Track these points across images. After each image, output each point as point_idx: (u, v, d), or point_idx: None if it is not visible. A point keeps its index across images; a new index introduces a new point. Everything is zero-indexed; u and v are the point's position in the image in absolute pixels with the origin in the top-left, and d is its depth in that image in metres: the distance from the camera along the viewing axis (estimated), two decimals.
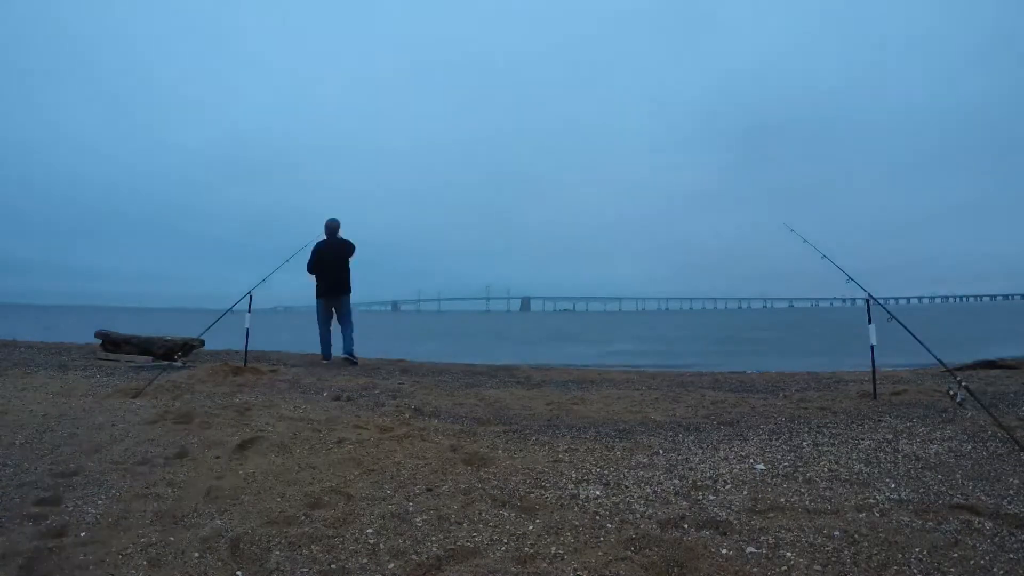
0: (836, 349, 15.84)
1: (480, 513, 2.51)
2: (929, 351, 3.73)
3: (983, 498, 2.53)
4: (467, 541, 2.24)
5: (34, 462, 3.11)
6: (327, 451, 3.39)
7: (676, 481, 2.90)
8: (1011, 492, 2.58)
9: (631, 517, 2.45)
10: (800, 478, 2.90)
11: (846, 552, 2.08)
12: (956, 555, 2.02)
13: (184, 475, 2.96)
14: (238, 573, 2.02)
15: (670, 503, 2.61)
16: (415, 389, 6.10)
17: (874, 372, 5.44)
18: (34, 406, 4.41)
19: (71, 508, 2.53)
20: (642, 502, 2.63)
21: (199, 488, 2.78)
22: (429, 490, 2.79)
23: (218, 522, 2.42)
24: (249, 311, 6.87)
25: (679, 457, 3.34)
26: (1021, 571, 1.92)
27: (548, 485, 2.87)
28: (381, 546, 2.20)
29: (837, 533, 2.22)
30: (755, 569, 1.99)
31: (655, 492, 2.75)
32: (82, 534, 2.29)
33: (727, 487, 2.80)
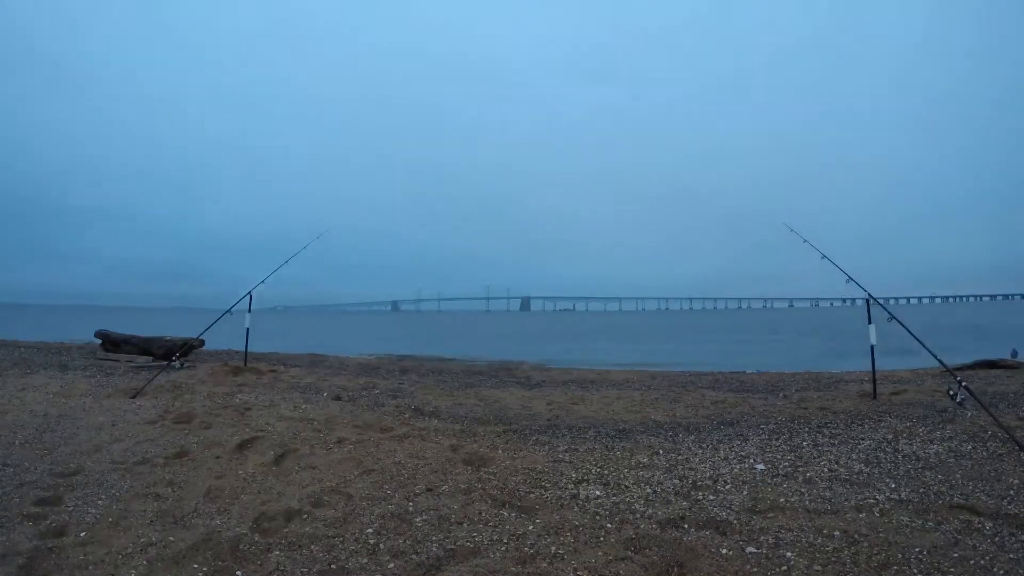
0: (836, 349, 15.83)
1: (480, 513, 2.51)
2: (929, 351, 3.73)
3: (983, 498, 2.53)
4: (467, 541, 2.24)
5: (34, 462, 3.11)
6: (327, 451, 3.39)
7: (676, 481, 2.90)
8: (1011, 492, 2.58)
9: (631, 517, 2.45)
10: (800, 478, 2.90)
11: (846, 552, 2.08)
12: (956, 555, 2.02)
13: (184, 475, 2.96)
14: (238, 573, 2.02)
15: (670, 503, 2.61)
16: (415, 389, 6.11)
17: (874, 372, 5.44)
18: (34, 406, 4.41)
19: (71, 508, 2.53)
20: (642, 502, 2.62)
21: (199, 488, 2.78)
22: (429, 490, 2.79)
23: (218, 522, 2.42)
24: (249, 311, 6.86)
25: (679, 457, 3.34)
26: (1021, 571, 1.92)
27: (548, 485, 2.87)
28: (381, 546, 2.20)
29: (837, 533, 2.22)
30: (755, 569, 1.99)
31: (655, 492, 2.75)
32: (82, 534, 2.28)
33: (727, 487, 2.80)
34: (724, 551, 2.11)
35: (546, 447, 3.61)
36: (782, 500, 2.60)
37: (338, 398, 5.24)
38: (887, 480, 2.82)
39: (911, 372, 7.40)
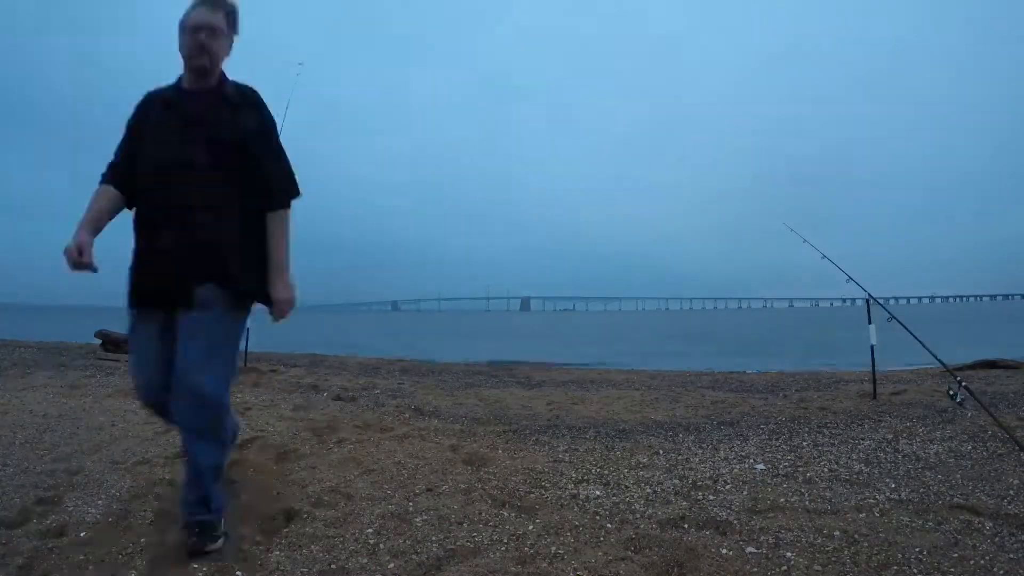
0: (836, 349, 15.84)
1: (480, 513, 2.51)
2: (929, 351, 3.73)
3: (983, 498, 2.53)
4: (467, 541, 2.24)
5: (34, 462, 3.11)
6: (327, 451, 3.39)
7: (676, 481, 2.90)
8: (1011, 492, 2.58)
9: (631, 517, 2.45)
10: (800, 478, 2.90)
11: (846, 552, 2.08)
12: (956, 555, 2.02)
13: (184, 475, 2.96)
14: (238, 573, 2.02)
15: (670, 503, 2.61)
16: (415, 389, 6.11)
17: (874, 372, 5.44)
18: (34, 406, 4.41)
19: (71, 508, 2.53)
20: (642, 502, 2.62)
21: None
22: (429, 490, 2.79)
23: None
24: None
25: (679, 457, 3.34)
26: (1021, 571, 1.92)
27: (548, 485, 2.87)
28: (381, 546, 2.20)
29: (837, 533, 2.22)
30: (755, 569, 1.99)
31: (655, 492, 2.75)
32: (82, 534, 2.28)
33: (727, 487, 2.80)
34: (724, 551, 2.11)
35: (546, 447, 3.61)
36: (782, 500, 2.60)
37: (338, 398, 5.24)
38: (887, 480, 2.82)
39: (911, 372, 7.40)
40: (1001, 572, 1.92)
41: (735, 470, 3.06)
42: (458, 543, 2.22)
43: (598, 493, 2.75)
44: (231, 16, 2.16)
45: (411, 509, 2.55)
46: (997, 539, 2.14)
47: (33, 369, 6.57)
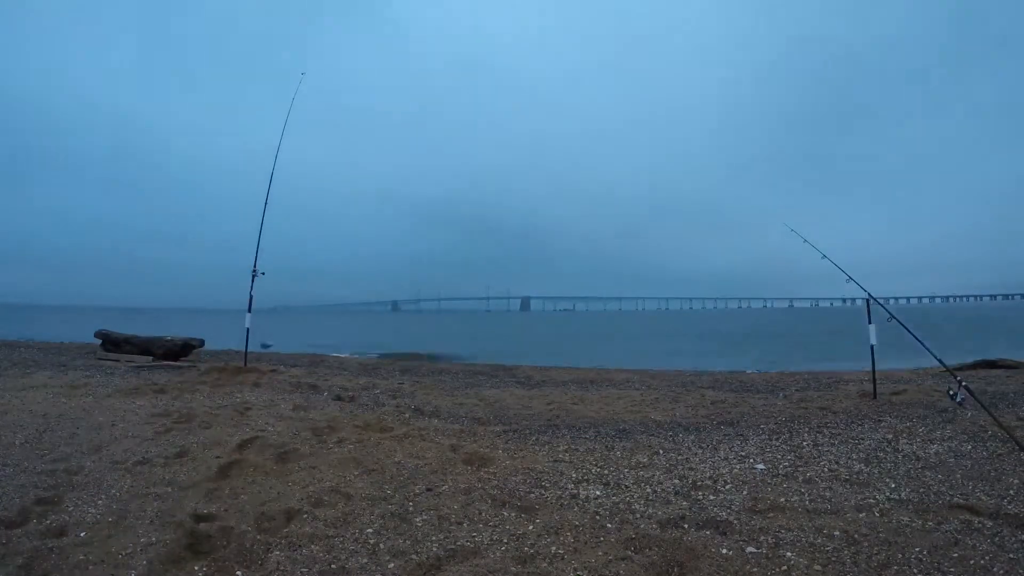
0: (836, 349, 15.84)
1: (480, 513, 2.50)
2: (929, 351, 3.72)
3: (983, 498, 2.53)
4: (467, 541, 2.24)
5: (34, 462, 3.11)
6: (327, 451, 3.39)
7: (676, 481, 2.90)
8: (1011, 492, 2.58)
9: (631, 517, 2.45)
10: (800, 478, 2.90)
11: (846, 552, 2.08)
12: (956, 555, 2.02)
13: (184, 475, 2.96)
14: (238, 573, 2.02)
15: (670, 503, 2.61)
16: (415, 389, 6.11)
17: (874, 372, 5.44)
18: (34, 406, 4.41)
19: (71, 508, 2.53)
20: (642, 502, 2.62)
21: (199, 488, 2.78)
22: (429, 490, 2.79)
23: (218, 522, 2.42)
24: (249, 311, 6.86)
25: (679, 457, 3.34)
26: (1021, 571, 1.92)
27: (548, 485, 2.86)
28: (381, 546, 2.20)
29: (837, 533, 2.22)
30: (755, 569, 1.99)
31: (655, 492, 2.75)
32: (82, 534, 2.28)
33: (727, 487, 2.80)
34: (724, 551, 2.11)
35: (546, 447, 3.61)
36: (782, 500, 2.60)
37: (338, 398, 5.24)
38: (887, 480, 2.82)
39: (911, 372, 7.40)
40: (1001, 572, 1.92)
41: (735, 470, 3.06)
42: (458, 543, 2.22)
43: (598, 493, 2.75)
44: None
45: (411, 509, 2.55)
46: (997, 539, 2.14)
47: (33, 369, 6.57)
